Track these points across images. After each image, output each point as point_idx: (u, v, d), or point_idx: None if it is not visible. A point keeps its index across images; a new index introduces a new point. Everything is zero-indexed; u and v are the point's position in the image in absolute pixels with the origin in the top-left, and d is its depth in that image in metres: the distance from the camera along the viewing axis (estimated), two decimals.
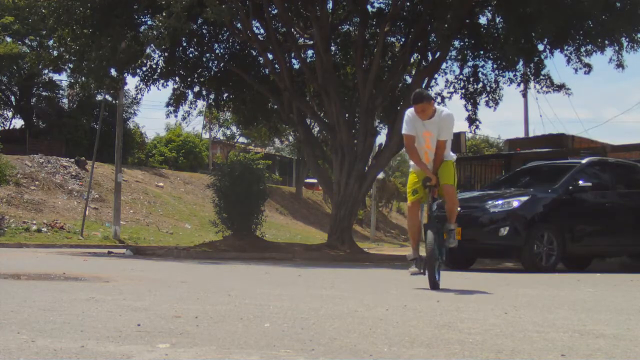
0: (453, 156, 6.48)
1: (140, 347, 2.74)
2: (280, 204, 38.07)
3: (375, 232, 39.02)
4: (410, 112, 6.25)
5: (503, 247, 10.28)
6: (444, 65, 18.08)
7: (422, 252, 6.19)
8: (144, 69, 17.49)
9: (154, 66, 17.75)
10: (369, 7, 17.54)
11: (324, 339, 3.02)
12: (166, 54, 17.13)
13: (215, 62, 18.77)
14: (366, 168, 16.63)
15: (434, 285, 5.93)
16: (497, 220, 10.05)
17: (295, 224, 36.28)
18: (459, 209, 10.37)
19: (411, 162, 6.47)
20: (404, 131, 6.31)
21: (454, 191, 6.33)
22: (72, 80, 17.71)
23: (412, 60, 18.20)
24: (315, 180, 36.45)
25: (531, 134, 27.93)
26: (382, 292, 5.92)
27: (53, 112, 36.81)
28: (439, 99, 18.79)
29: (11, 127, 39.53)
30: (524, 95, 23.17)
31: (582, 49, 16.04)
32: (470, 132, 19.54)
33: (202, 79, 18.82)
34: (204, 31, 18.04)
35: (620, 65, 15.69)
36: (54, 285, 5.89)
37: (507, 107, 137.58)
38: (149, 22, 16.11)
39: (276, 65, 17.12)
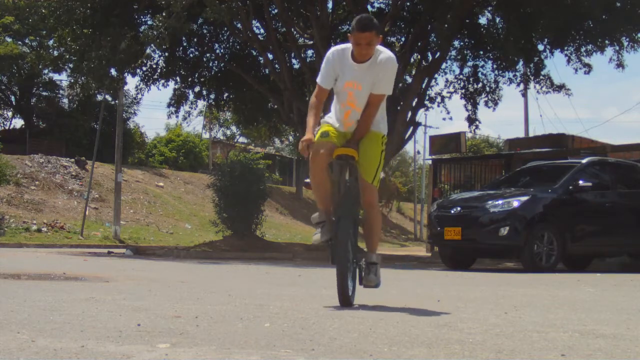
0: (384, 127, 4.42)
1: (141, 347, 2.74)
2: (281, 204, 38.09)
3: None
4: (336, 51, 4.28)
5: (503, 247, 10.30)
6: (443, 65, 18.11)
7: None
8: (144, 68, 17.50)
9: (154, 66, 17.77)
10: (369, 6, 17.53)
11: (324, 339, 3.02)
12: (166, 54, 17.15)
13: (216, 62, 18.79)
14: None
15: (346, 299, 4.18)
16: (497, 220, 10.06)
17: (295, 223, 36.29)
18: (458, 208, 10.54)
19: (325, 116, 4.48)
20: (319, 79, 4.32)
21: (375, 196, 4.40)
22: (72, 80, 17.74)
23: (412, 60, 18.19)
24: None
25: (531, 134, 27.96)
26: (382, 291, 5.92)
27: (53, 112, 36.82)
28: (439, 99, 18.81)
29: (11, 127, 39.58)
30: (524, 95, 23.20)
31: (582, 49, 16.07)
32: (470, 132, 19.56)
33: (202, 79, 18.83)
34: (204, 31, 18.05)
35: (620, 65, 15.71)
36: (54, 285, 5.89)
37: (507, 107, 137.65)
38: (149, 22, 16.13)
39: (276, 65, 17.12)
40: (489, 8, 17.01)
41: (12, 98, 38.23)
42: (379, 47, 4.24)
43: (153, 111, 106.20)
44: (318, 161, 4.35)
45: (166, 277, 7.42)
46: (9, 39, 33.82)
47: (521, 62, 17.43)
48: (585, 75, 17.54)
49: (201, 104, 20.71)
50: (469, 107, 18.34)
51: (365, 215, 4.47)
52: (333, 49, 4.34)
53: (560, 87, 17.72)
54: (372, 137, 4.35)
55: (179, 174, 36.69)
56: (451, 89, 18.50)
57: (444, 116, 16.52)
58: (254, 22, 16.95)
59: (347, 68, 4.22)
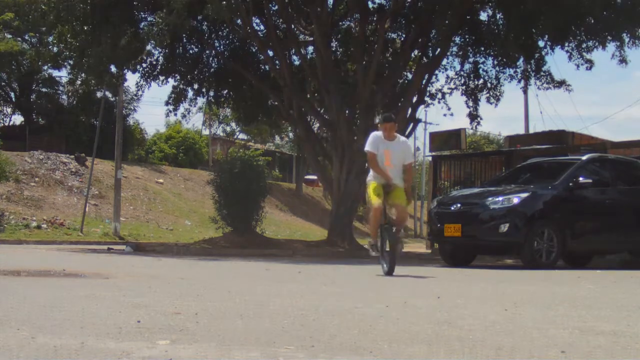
0: (400, 182, 7.70)
1: (140, 344, 2.74)
2: (280, 201, 38.07)
3: None
4: (374, 134, 7.84)
5: (503, 243, 10.30)
6: (444, 62, 18.07)
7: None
8: (144, 65, 17.46)
9: (154, 62, 17.72)
10: (369, 3, 17.51)
11: (324, 336, 3.02)
12: (166, 50, 17.10)
13: (216, 59, 18.75)
14: (366, 164, 16.58)
15: (391, 271, 7.44)
16: (497, 216, 10.05)
17: (295, 220, 36.29)
18: (458, 205, 10.55)
19: (370, 174, 7.82)
20: (367, 148, 7.74)
21: (406, 213, 8.09)
22: (72, 77, 17.70)
23: (412, 56, 18.17)
24: (315, 177, 36.43)
25: (532, 131, 27.91)
26: (382, 288, 5.92)
27: (53, 108, 36.77)
28: (439, 95, 18.79)
29: (11, 123, 39.52)
30: (525, 91, 23.12)
31: (584, 45, 16.01)
32: (471, 128, 19.52)
33: (202, 76, 18.78)
34: (204, 28, 18.00)
35: (623, 60, 15.65)
36: (54, 282, 5.90)
37: (507, 106, 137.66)
38: (149, 19, 16.09)
39: (276, 62, 17.09)
40: (490, 4, 16.96)
41: (12, 95, 38.20)
42: (397, 134, 7.86)
43: (153, 108, 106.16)
44: (379, 212, 7.57)
45: (166, 274, 7.42)
46: (9, 36, 33.76)
47: (522, 59, 17.39)
48: (586, 72, 17.55)
49: (201, 100, 20.66)
50: (470, 104, 18.31)
51: (397, 220, 7.72)
52: (373, 133, 7.96)
53: (561, 83, 17.67)
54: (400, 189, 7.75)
55: (178, 171, 36.66)
56: (452, 85, 18.47)
57: (444, 112, 16.68)
58: (254, 18, 16.91)
59: (381, 143, 7.67)
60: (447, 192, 15.86)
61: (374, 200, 7.52)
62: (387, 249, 7.60)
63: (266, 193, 17.15)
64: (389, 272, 7.36)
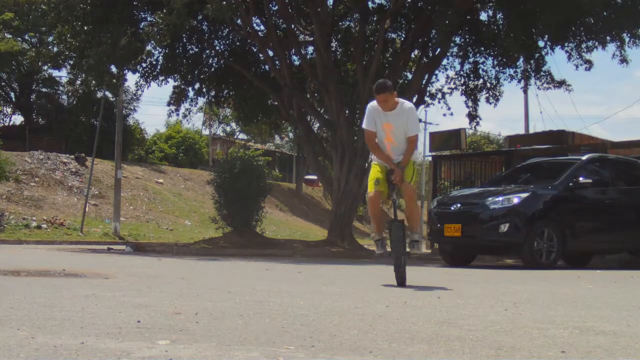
0: (417, 156, 6.37)
1: (140, 344, 2.74)
2: (280, 201, 38.09)
3: None
4: (371, 105, 6.16)
5: (503, 243, 10.30)
6: (444, 62, 18.09)
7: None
8: (144, 65, 17.47)
9: (154, 62, 17.73)
10: (369, 3, 17.52)
11: (324, 336, 3.02)
12: (166, 50, 17.11)
13: (216, 58, 18.76)
14: (366, 164, 16.61)
15: (402, 281, 5.88)
16: (497, 216, 10.05)
17: (295, 220, 36.30)
18: (458, 205, 10.54)
19: (373, 156, 6.38)
20: (364, 125, 6.26)
21: (412, 190, 6.25)
22: (72, 77, 17.71)
23: (412, 56, 18.18)
24: (315, 177, 36.45)
25: (531, 131, 27.92)
26: (382, 288, 5.91)
27: (53, 108, 36.78)
28: (439, 95, 18.81)
29: (11, 123, 39.54)
30: (525, 91, 23.14)
31: (583, 45, 16.02)
32: (471, 128, 19.52)
33: (202, 76, 18.79)
34: (204, 27, 18.01)
35: (624, 60, 15.66)
36: (53, 282, 5.89)
37: (507, 105, 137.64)
38: (149, 19, 16.10)
39: (276, 62, 17.09)
40: (490, 4, 16.97)
41: (12, 95, 38.21)
42: (401, 100, 6.14)
43: (153, 108, 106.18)
44: (375, 203, 6.20)
45: (166, 274, 7.41)
46: (9, 36, 33.78)
47: (522, 59, 17.40)
48: (585, 73, 17.57)
49: (201, 100, 20.68)
50: (470, 104, 18.32)
51: (406, 207, 6.29)
52: (370, 104, 6.20)
53: (561, 83, 17.68)
54: (410, 164, 6.18)
55: (178, 171, 36.67)
56: (452, 85, 18.49)
57: (444, 112, 16.66)
58: (254, 18, 16.92)
59: (379, 116, 6.08)
60: (447, 192, 15.85)
61: (369, 187, 6.19)
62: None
63: (266, 193, 17.17)
64: (400, 283, 5.89)
